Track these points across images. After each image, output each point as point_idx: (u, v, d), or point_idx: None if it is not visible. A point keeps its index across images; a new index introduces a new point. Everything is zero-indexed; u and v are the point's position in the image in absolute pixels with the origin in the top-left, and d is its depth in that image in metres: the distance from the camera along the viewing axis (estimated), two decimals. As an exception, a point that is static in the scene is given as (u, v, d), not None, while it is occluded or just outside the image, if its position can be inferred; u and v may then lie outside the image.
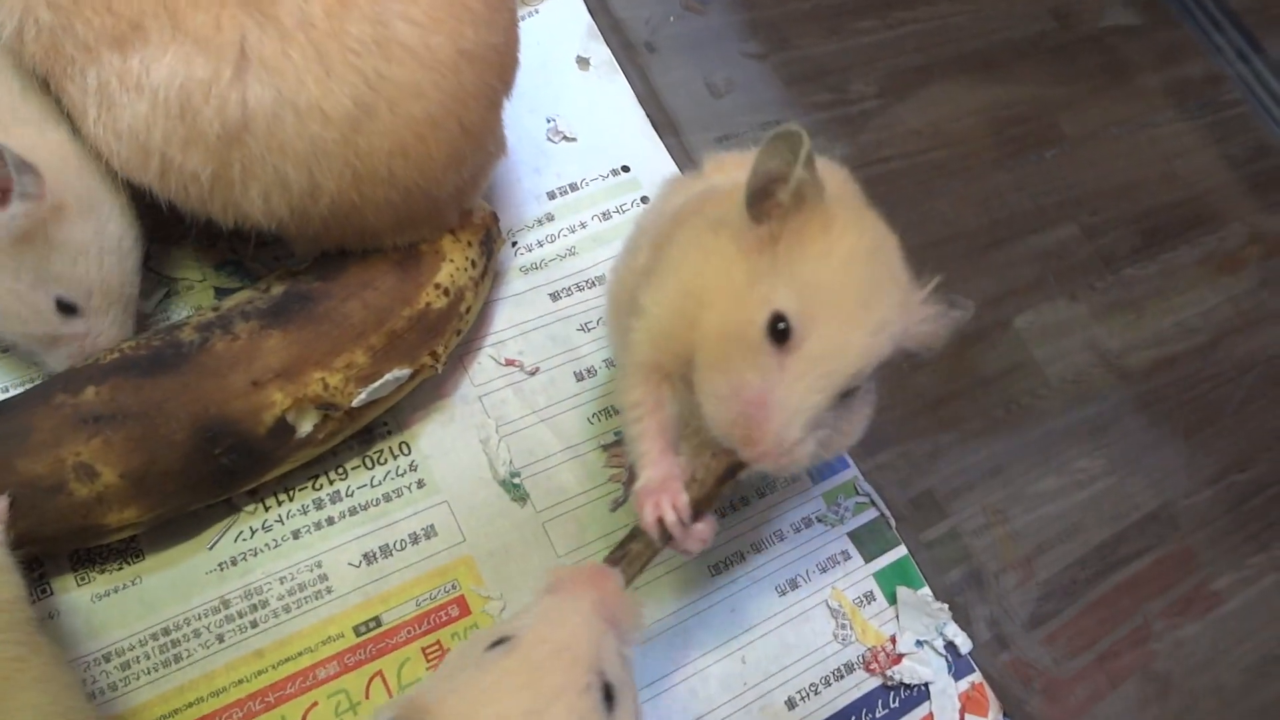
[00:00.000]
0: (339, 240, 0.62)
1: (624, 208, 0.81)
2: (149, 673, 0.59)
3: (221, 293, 0.70)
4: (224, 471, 0.59)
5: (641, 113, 0.85)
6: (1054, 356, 0.88)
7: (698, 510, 0.52)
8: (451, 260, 0.66)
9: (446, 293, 0.65)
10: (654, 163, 0.83)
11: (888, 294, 0.47)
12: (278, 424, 0.59)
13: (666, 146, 0.84)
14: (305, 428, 0.60)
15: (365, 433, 0.67)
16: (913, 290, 0.49)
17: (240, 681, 0.60)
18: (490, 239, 0.70)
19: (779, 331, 0.46)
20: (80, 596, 0.60)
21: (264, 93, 0.53)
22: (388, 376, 0.62)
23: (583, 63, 0.86)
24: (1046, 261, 0.94)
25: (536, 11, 0.86)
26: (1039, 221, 0.96)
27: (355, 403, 0.61)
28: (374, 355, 0.62)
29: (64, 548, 0.59)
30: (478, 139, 0.61)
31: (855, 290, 0.46)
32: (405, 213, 0.61)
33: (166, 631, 0.61)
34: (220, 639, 0.61)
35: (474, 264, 0.68)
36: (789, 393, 0.46)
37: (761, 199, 0.48)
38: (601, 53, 0.87)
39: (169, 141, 0.54)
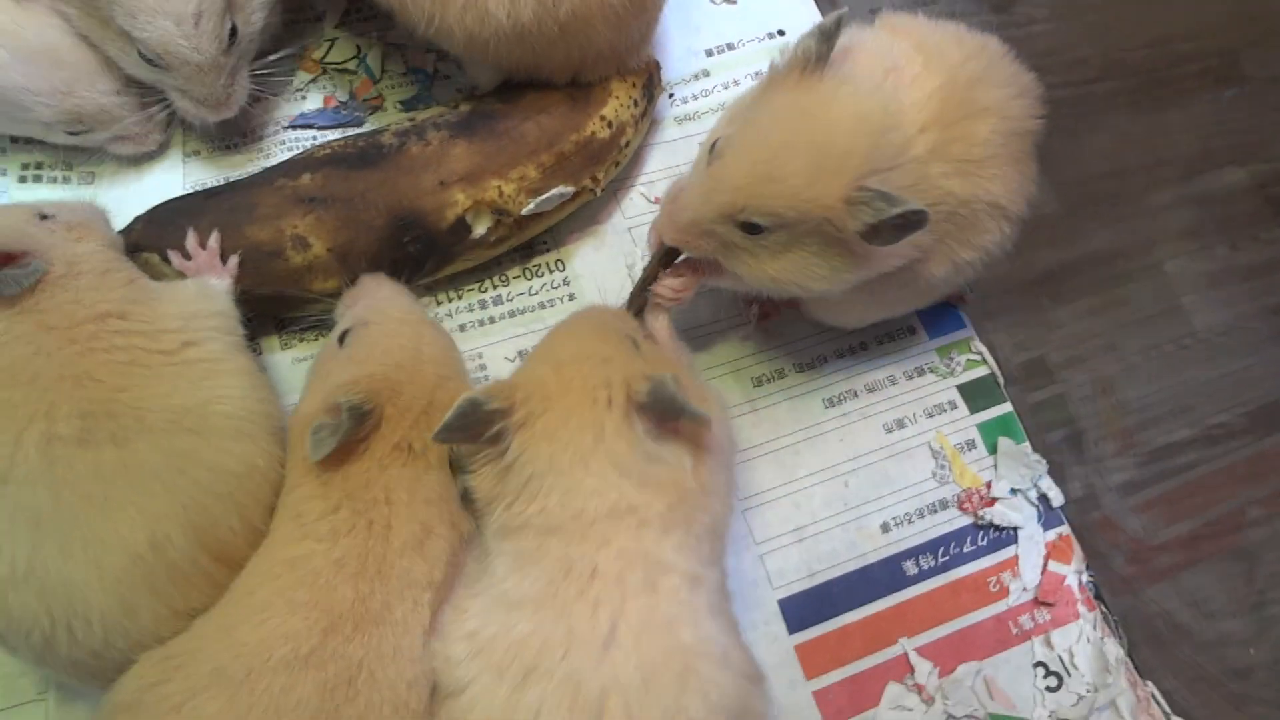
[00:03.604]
0: (536, 65, 0.69)
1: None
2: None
3: (406, 104, 0.79)
4: (410, 259, 0.68)
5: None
6: (1203, 306, 0.87)
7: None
8: (616, 97, 0.73)
9: (610, 125, 0.72)
10: (808, 28, 0.87)
11: (799, 160, 0.55)
12: (458, 222, 0.68)
13: (821, 13, 0.88)
14: (480, 229, 0.69)
15: (527, 247, 0.76)
16: (848, 172, 0.55)
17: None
18: (651, 84, 0.77)
19: (713, 151, 0.58)
20: (283, 358, 0.72)
21: None
22: (553, 191, 0.70)
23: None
24: (1209, 207, 0.92)
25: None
26: (1206, 164, 0.93)
27: (524, 211, 0.69)
28: (544, 171, 0.70)
29: (274, 309, 0.70)
30: None
31: (767, 144, 0.56)
32: (618, 39, 0.67)
33: (351, 395, 0.71)
34: (394, 407, 0.71)
35: (636, 104, 0.74)
36: (688, 189, 0.59)
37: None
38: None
39: None
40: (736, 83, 0.85)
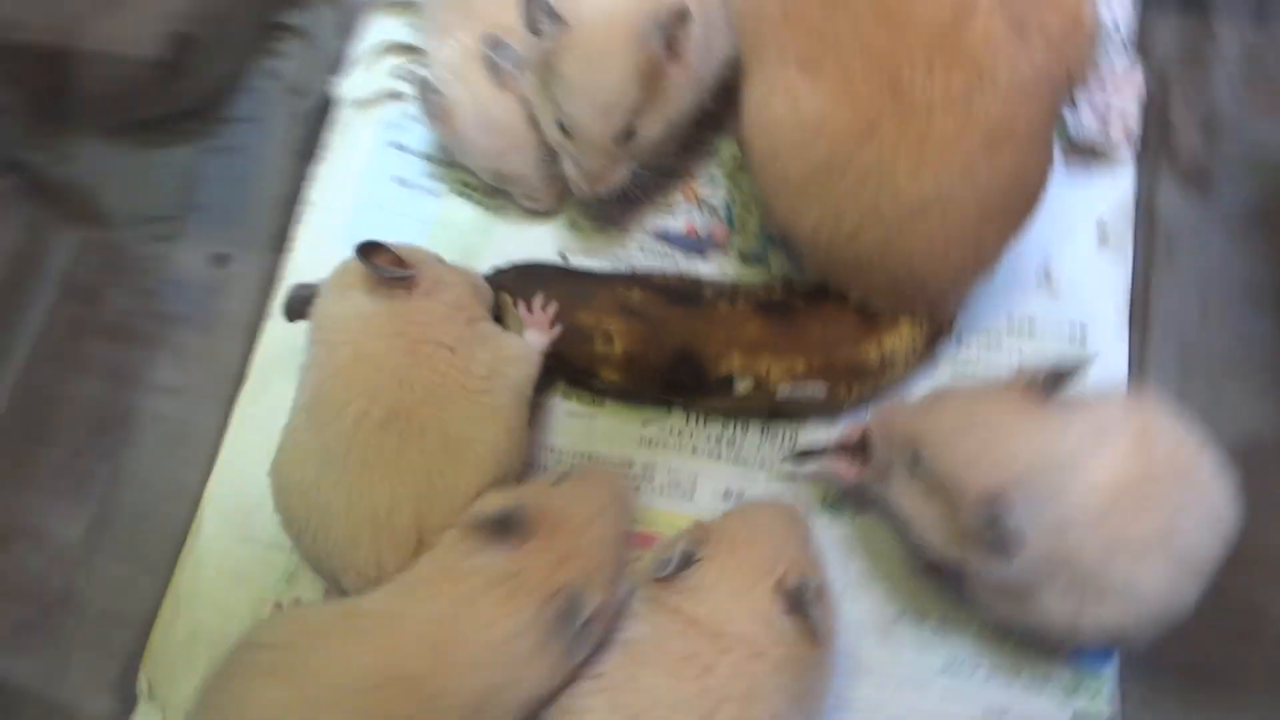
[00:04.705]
0: (852, 285, 0.82)
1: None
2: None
3: (746, 256, 0.95)
4: (678, 384, 0.85)
5: (1123, 301, 0.95)
6: None
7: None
8: (900, 333, 0.84)
9: (883, 354, 0.84)
10: (1109, 354, 0.93)
11: (973, 445, 0.69)
12: (725, 375, 0.83)
13: (1131, 319, 0.94)
14: (741, 389, 0.84)
15: (774, 412, 0.89)
16: (995, 478, 0.67)
17: (611, 513, 0.87)
18: (940, 331, 0.88)
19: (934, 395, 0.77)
20: (561, 407, 0.91)
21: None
22: (808, 388, 0.83)
23: (1103, 227, 0.97)
24: None
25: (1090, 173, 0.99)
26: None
27: (779, 394, 0.84)
28: (809, 369, 0.83)
29: (566, 374, 0.89)
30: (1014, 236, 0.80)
31: (964, 416, 0.72)
32: (940, 297, 0.82)
33: (589, 460, 0.89)
34: (616, 481, 0.88)
35: (916, 341, 0.85)
36: (907, 407, 0.76)
37: None
38: (1124, 233, 0.97)
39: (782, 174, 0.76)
40: (1024, 355, 0.92)
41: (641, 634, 0.69)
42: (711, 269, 0.95)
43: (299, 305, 0.77)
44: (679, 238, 0.96)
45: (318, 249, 0.95)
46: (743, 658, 0.67)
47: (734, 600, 0.68)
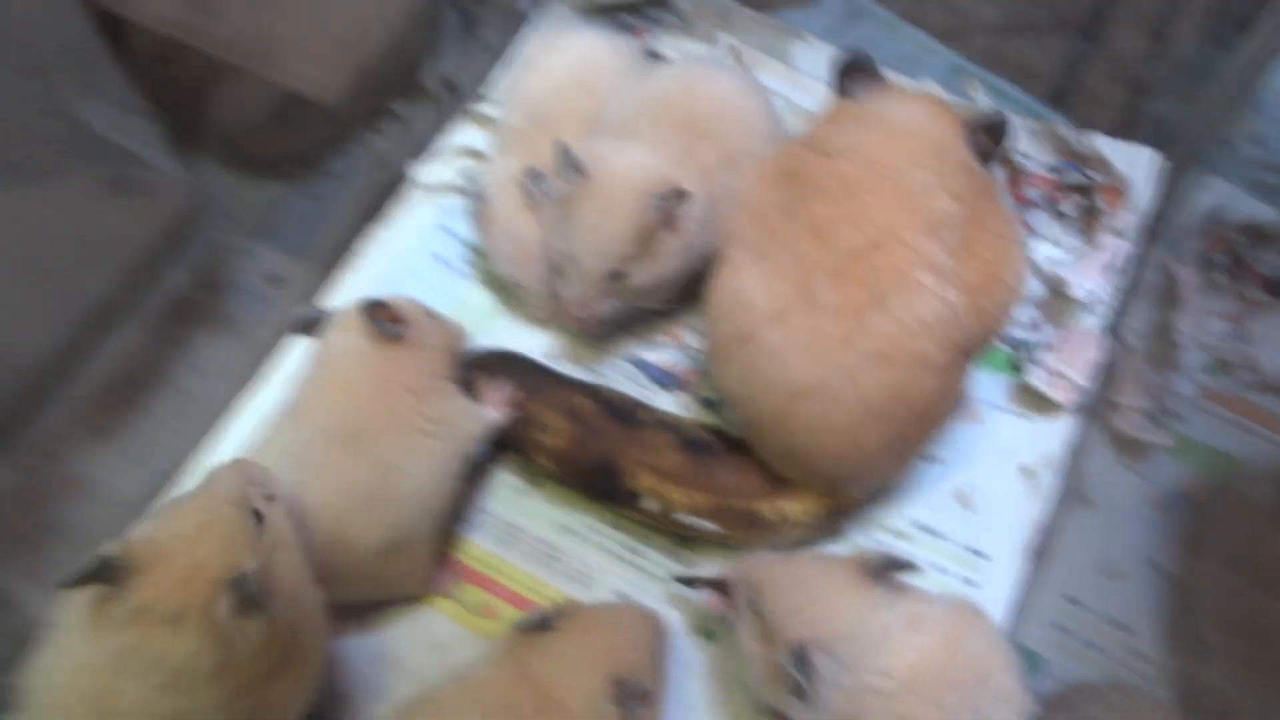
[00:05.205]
0: (761, 450, 0.94)
1: (951, 581, 1.01)
2: (488, 537, 1.01)
3: (705, 402, 1.07)
4: (596, 488, 0.97)
5: (1028, 535, 1.03)
6: None
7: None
8: (801, 502, 0.95)
9: (778, 516, 0.94)
10: (998, 581, 1.00)
11: (796, 599, 0.81)
12: (634, 489, 0.95)
13: (1022, 572, 1.01)
14: (645, 505, 0.95)
15: (682, 536, 1.00)
16: (811, 629, 0.79)
17: (516, 580, 0.99)
18: (843, 512, 0.97)
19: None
20: (504, 478, 1.03)
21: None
22: (702, 522, 0.94)
23: (1028, 472, 1.06)
24: None
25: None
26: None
27: (674, 517, 0.95)
28: (710, 507, 0.94)
29: (516, 449, 1.02)
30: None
31: (792, 572, 0.85)
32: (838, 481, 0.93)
33: (513, 529, 1.01)
34: (529, 557, 1.00)
35: (813, 514, 0.95)
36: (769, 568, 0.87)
37: None
38: (1048, 479, 1.06)
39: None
40: (919, 558, 1.00)
41: (484, 674, 0.81)
42: (670, 403, 1.07)
43: (305, 324, 0.93)
44: (652, 368, 1.10)
45: (355, 293, 1.12)
46: None
47: (570, 673, 0.78)
